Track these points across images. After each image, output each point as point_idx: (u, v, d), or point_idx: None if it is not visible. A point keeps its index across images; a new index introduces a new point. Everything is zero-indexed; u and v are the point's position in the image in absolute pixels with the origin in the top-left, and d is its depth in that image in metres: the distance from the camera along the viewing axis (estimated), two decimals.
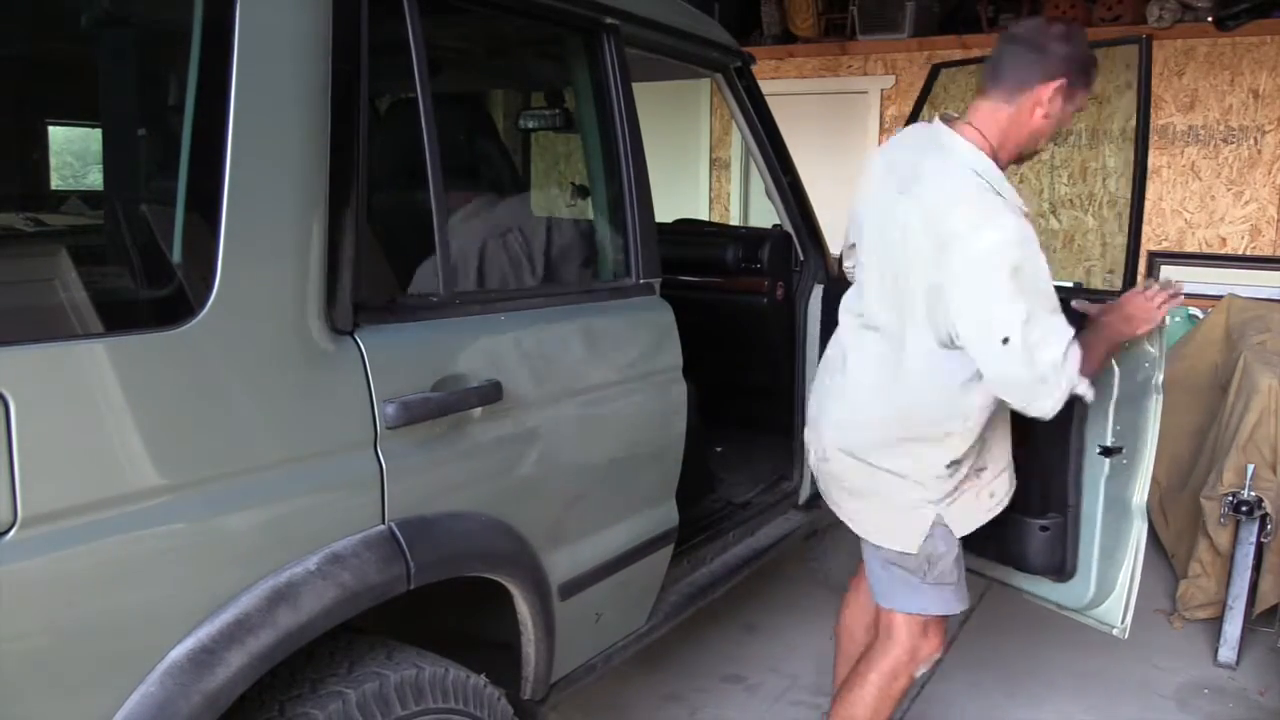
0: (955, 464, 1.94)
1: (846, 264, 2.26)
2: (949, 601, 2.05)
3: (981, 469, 2.01)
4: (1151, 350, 2.17)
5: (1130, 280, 2.23)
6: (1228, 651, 3.00)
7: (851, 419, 2.02)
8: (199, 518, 1.25)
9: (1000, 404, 1.90)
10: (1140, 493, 2.22)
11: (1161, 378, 2.19)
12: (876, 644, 2.14)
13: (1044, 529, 2.21)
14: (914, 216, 1.82)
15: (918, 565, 2.00)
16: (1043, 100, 1.84)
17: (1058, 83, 1.82)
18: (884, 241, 1.92)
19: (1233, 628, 2.99)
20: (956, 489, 1.98)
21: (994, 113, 1.87)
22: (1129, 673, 2.96)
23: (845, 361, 2.05)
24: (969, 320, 1.76)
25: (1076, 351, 1.77)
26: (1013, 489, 2.10)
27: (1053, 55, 1.82)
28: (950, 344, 1.81)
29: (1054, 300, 1.76)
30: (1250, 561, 2.96)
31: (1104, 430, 2.14)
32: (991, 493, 2.04)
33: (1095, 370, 1.90)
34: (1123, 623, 2.26)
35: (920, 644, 2.09)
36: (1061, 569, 2.24)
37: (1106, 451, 2.14)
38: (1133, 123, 4.96)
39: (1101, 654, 2.98)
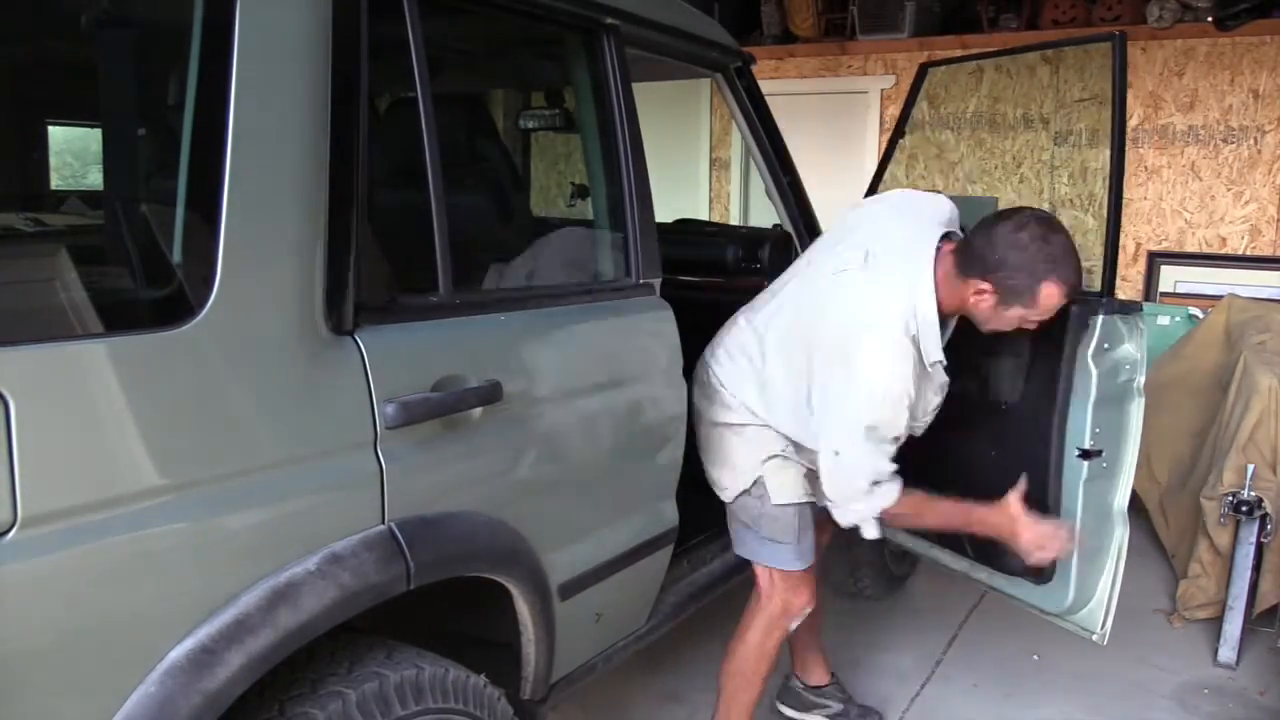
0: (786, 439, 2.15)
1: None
2: (786, 558, 2.22)
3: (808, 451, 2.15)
4: (1132, 351, 2.15)
5: (1110, 281, 2.18)
6: (1228, 651, 3.00)
7: (726, 370, 2.21)
8: (199, 518, 1.25)
9: None
10: (1121, 498, 2.20)
11: (1143, 380, 2.18)
12: (752, 601, 2.32)
13: None
14: (844, 297, 2.00)
15: (750, 518, 2.21)
16: (968, 293, 1.95)
17: (985, 286, 1.92)
18: (810, 289, 2.12)
19: (1233, 628, 2.99)
20: (780, 453, 2.16)
21: (952, 272, 1.97)
22: (1129, 673, 2.96)
23: (751, 322, 2.24)
24: (826, 420, 2.00)
25: (892, 489, 1.97)
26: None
27: (997, 260, 1.89)
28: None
29: (892, 438, 1.95)
30: (1250, 561, 2.96)
31: (1082, 432, 2.11)
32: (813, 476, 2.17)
33: (906, 524, 2.19)
34: (1102, 628, 2.24)
35: (790, 599, 2.26)
36: (1040, 571, 2.22)
37: (1085, 454, 2.12)
38: (1133, 122, 4.98)
39: (1101, 654, 2.97)
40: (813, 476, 2.17)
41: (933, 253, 1.98)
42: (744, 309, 2.32)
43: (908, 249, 2.00)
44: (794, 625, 2.31)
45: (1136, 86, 4.80)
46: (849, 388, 1.94)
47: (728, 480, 2.24)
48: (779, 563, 2.24)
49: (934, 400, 2.03)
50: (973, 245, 1.95)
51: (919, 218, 2.09)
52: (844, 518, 2.05)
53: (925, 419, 2.04)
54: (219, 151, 1.26)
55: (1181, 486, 3.50)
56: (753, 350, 2.18)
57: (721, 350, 2.26)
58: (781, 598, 2.27)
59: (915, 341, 1.92)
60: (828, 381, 1.99)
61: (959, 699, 2.83)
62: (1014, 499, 2.09)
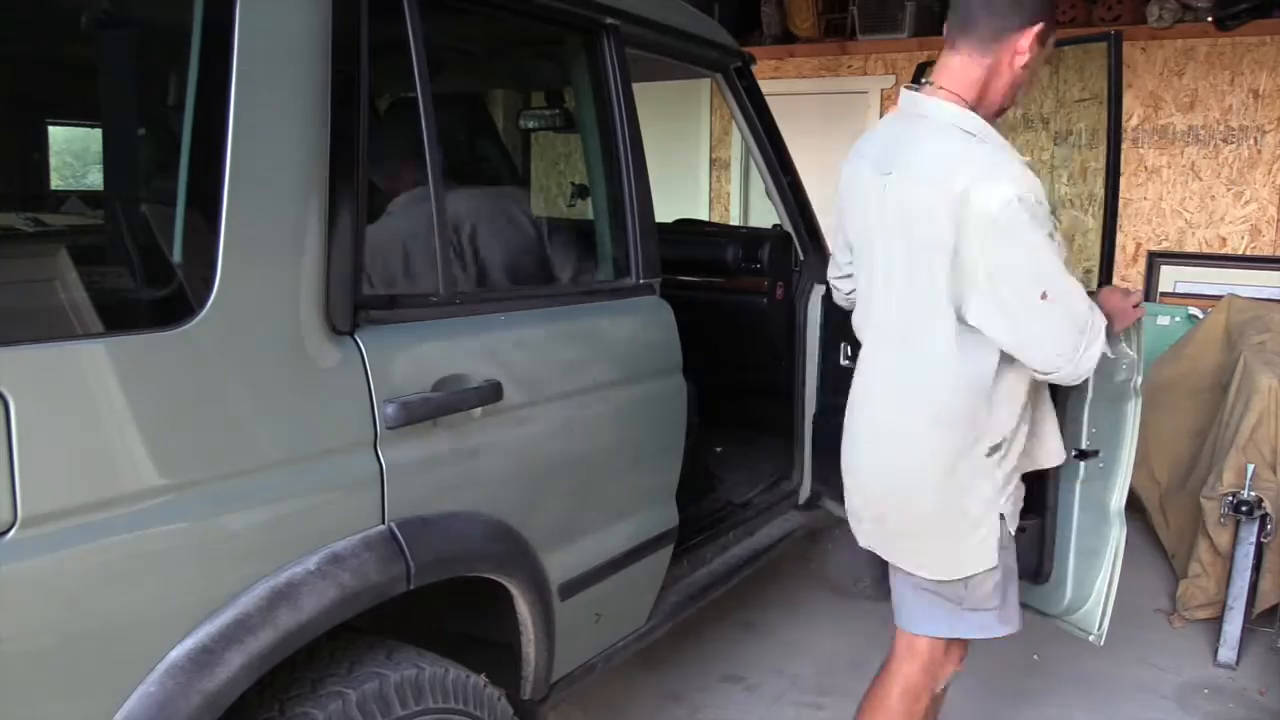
0: (996, 448, 1.77)
1: (837, 276, 2.14)
2: (988, 625, 1.88)
3: (1018, 445, 1.82)
4: (1130, 352, 2.16)
5: (1107, 281, 2.18)
6: (1228, 651, 3.00)
7: (889, 454, 1.86)
8: (199, 518, 1.25)
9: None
10: (1118, 498, 2.19)
11: (1140, 380, 2.18)
12: (892, 663, 2.01)
13: (1021, 530, 2.20)
14: (912, 191, 1.70)
15: (954, 592, 1.85)
16: (1022, 49, 1.69)
17: (1037, 28, 1.67)
18: (882, 232, 1.79)
19: (1233, 628, 2.99)
20: (1009, 478, 1.81)
21: (967, 70, 1.71)
22: (1129, 673, 2.96)
23: (869, 395, 1.90)
24: (1000, 281, 1.63)
25: (1101, 316, 1.69)
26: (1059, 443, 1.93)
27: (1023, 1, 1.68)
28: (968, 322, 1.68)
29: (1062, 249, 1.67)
30: (1250, 561, 2.96)
31: (1078, 433, 2.11)
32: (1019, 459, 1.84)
33: None
34: (1099, 629, 2.24)
35: (942, 662, 1.97)
36: (1038, 572, 2.22)
37: (1081, 455, 2.11)
38: (1133, 122, 4.98)
39: (1101, 654, 2.97)
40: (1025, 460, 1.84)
41: (919, 95, 1.75)
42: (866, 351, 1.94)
43: (900, 123, 1.78)
44: (941, 688, 2.02)
45: (1136, 86, 4.80)
46: (993, 222, 1.59)
47: (956, 554, 1.81)
48: (982, 632, 1.89)
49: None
50: (979, 15, 1.68)
51: (881, 124, 1.90)
52: (1087, 364, 1.67)
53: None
54: (219, 151, 1.26)
55: (1181, 486, 3.50)
56: (909, 347, 1.79)
57: (885, 388, 1.86)
58: (933, 661, 1.94)
59: (990, 143, 1.69)
60: (971, 247, 1.63)
61: (959, 699, 2.82)
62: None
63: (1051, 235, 1.63)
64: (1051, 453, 1.94)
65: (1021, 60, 1.70)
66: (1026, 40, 1.68)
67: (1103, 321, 1.69)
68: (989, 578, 1.83)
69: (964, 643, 2.00)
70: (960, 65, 1.72)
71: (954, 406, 1.74)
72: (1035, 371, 1.71)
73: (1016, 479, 1.84)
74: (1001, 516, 1.80)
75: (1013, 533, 1.84)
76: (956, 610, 1.87)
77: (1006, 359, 1.72)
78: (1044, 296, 1.62)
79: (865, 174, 1.83)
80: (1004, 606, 1.88)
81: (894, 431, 1.84)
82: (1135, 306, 1.95)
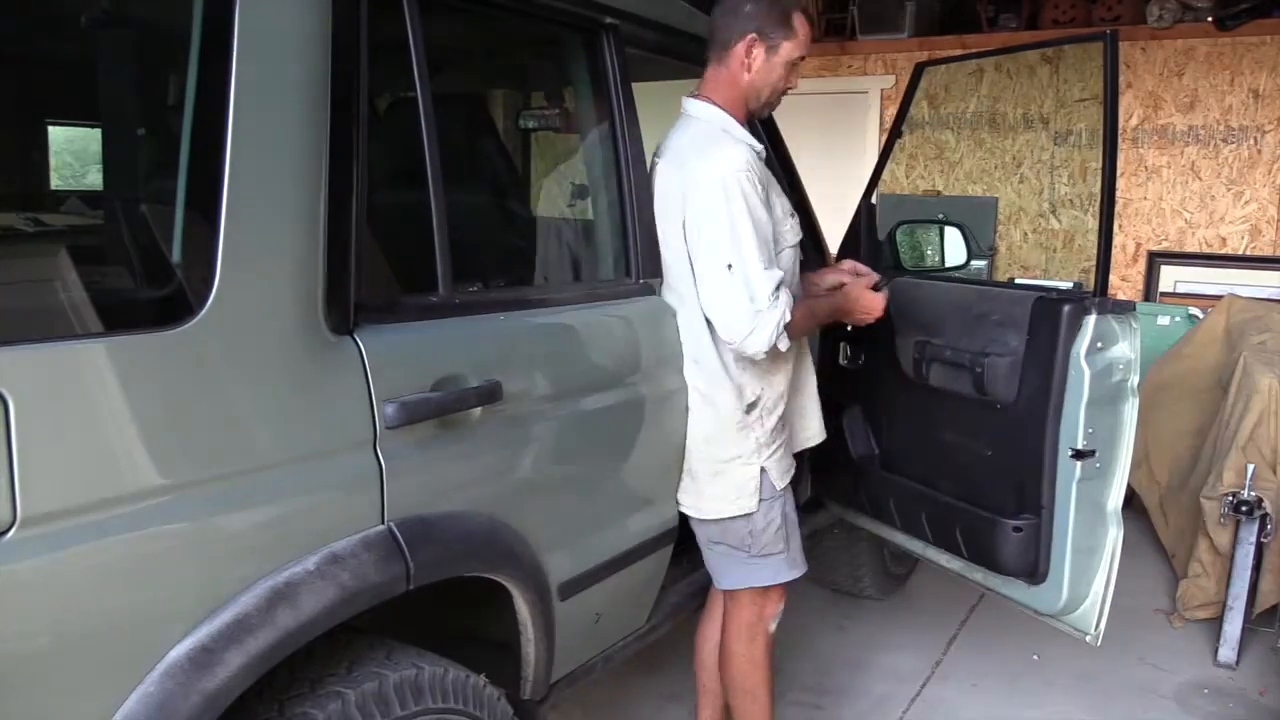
0: (752, 406, 2.04)
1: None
2: (779, 570, 2.14)
3: (775, 409, 2.09)
4: (1126, 352, 2.15)
5: (1103, 282, 2.16)
6: (1228, 651, 3.00)
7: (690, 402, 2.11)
8: (199, 518, 1.25)
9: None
10: (1115, 498, 2.19)
11: (1137, 380, 2.17)
12: (726, 620, 2.24)
13: (1017, 530, 2.20)
14: (667, 175, 2.03)
15: (740, 540, 2.10)
16: (742, 57, 2.01)
17: (748, 38, 1.99)
18: (664, 221, 2.05)
19: (1233, 628, 3.00)
20: (770, 438, 2.07)
21: (716, 77, 2.05)
22: (1129, 673, 2.96)
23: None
24: (699, 249, 1.93)
25: (788, 295, 1.94)
26: (788, 425, 2.19)
27: (740, 14, 1.99)
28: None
29: (769, 244, 1.94)
30: (1250, 561, 2.97)
31: (1075, 433, 2.11)
32: (784, 427, 2.14)
33: (798, 332, 2.06)
34: (1096, 629, 2.24)
35: (764, 605, 2.19)
36: (1034, 571, 2.22)
37: (1078, 455, 2.12)
38: (1133, 122, 4.98)
39: (1101, 654, 2.98)
40: (789, 447, 2.15)
41: (691, 101, 2.09)
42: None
43: (679, 131, 2.10)
44: (773, 627, 2.23)
45: (1136, 86, 4.81)
46: (703, 190, 1.91)
47: (722, 496, 2.08)
48: (775, 578, 2.15)
49: (789, 221, 2.08)
50: (715, 30, 2.04)
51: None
52: (757, 343, 1.89)
53: (786, 245, 2.06)
54: (218, 151, 1.26)
55: (1181, 486, 3.50)
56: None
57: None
58: (756, 607, 2.19)
59: (736, 139, 2.00)
60: (688, 213, 1.95)
61: (959, 699, 2.83)
62: (847, 265, 2.38)
63: (757, 215, 1.89)
64: (813, 433, 2.32)
65: (753, 64, 2.02)
66: (743, 48, 2.00)
67: (786, 310, 1.90)
68: (768, 525, 2.09)
69: (780, 587, 2.21)
70: (712, 74, 2.07)
71: (714, 358, 2.02)
72: (722, 338, 1.96)
73: (781, 444, 2.12)
74: (763, 470, 2.06)
75: (779, 488, 2.10)
76: (747, 559, 2.12)
77: None
78: (729, 268, 1.88)
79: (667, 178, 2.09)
80: (789, 552, 2.15)
81: (690, 384, 2.08)
82: (875, 309, 2.20)
